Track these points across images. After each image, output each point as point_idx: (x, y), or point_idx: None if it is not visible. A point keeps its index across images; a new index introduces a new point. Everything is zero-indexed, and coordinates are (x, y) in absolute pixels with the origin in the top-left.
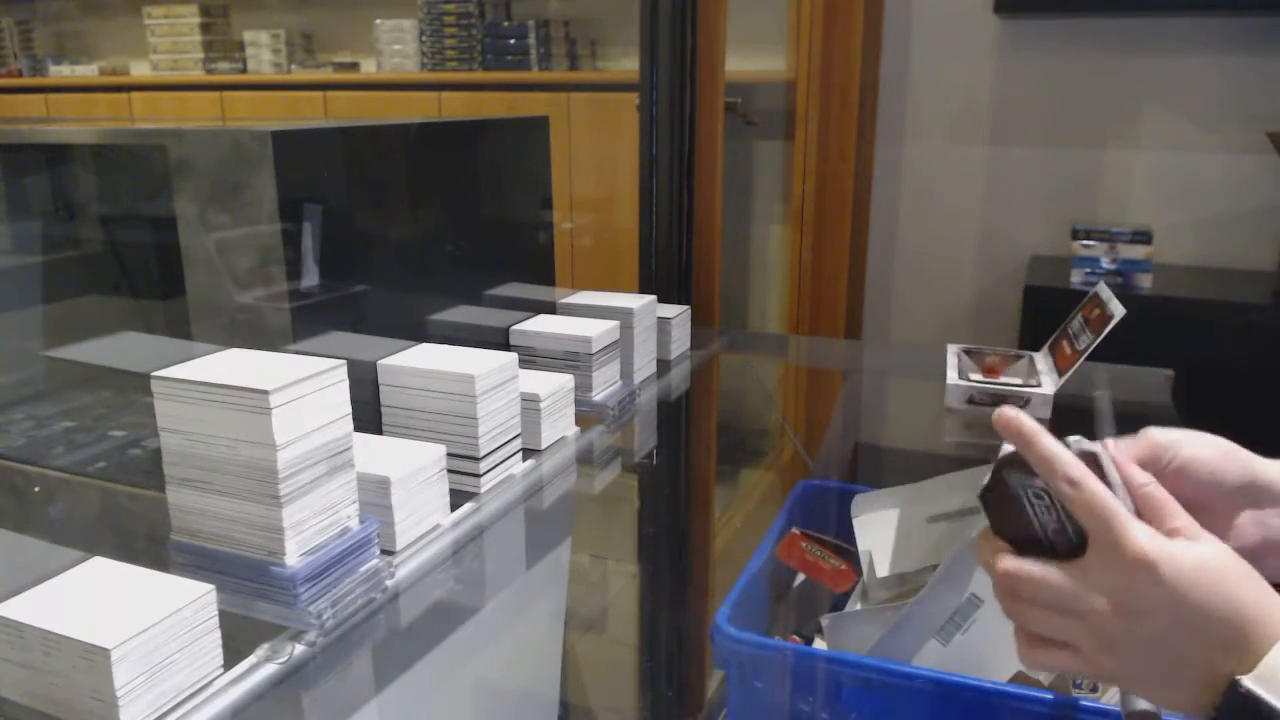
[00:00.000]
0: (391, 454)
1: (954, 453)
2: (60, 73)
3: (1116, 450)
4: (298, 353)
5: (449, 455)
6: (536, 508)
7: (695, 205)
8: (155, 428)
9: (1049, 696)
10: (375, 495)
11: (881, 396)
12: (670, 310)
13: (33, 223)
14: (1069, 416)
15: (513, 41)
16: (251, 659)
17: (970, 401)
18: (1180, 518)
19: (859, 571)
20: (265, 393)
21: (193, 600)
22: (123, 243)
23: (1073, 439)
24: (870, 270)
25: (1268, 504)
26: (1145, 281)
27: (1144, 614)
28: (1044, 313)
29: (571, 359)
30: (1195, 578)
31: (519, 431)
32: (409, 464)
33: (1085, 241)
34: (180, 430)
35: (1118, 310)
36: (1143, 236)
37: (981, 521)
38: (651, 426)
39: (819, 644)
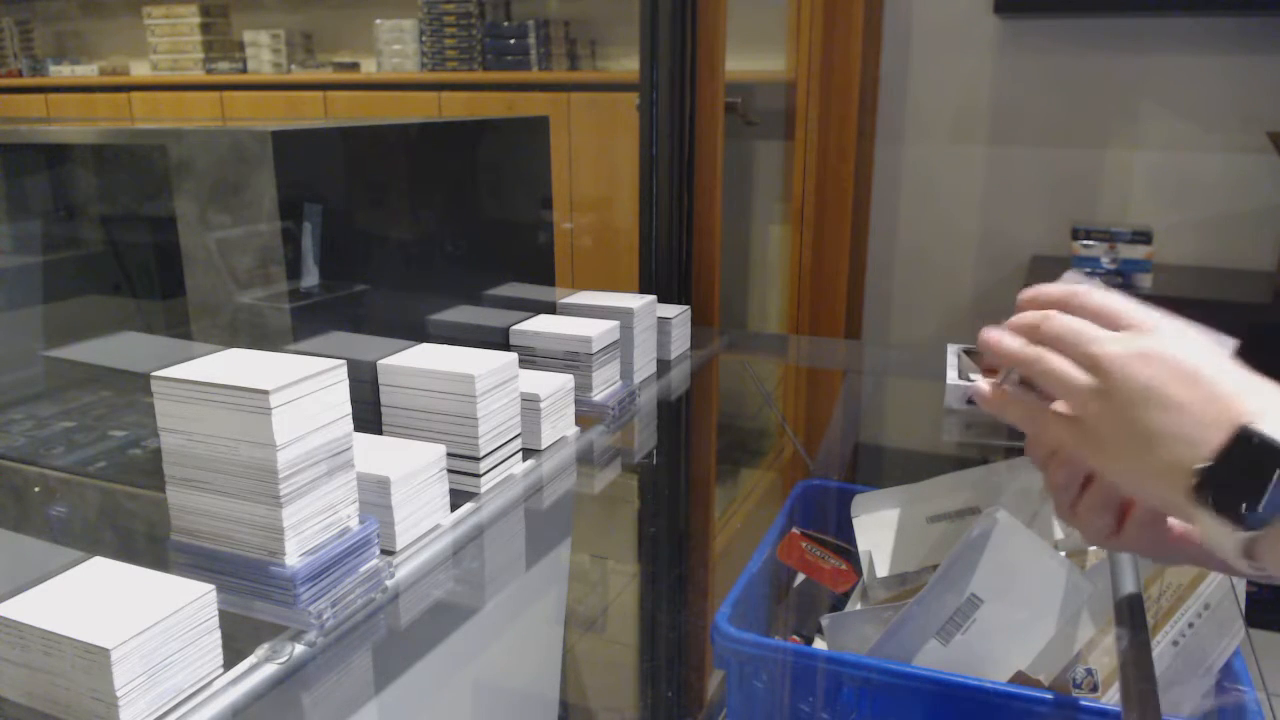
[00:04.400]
0: (391, 454)
1: (954, 453)
2: (60, 73)
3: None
4: (298, 353)
5: (449, 455)
6: (536, 508)
7: (695, 205)
8: (155, 428)
9: (1049, 696)
10: (375, 495)
11: (881, 396)
12: (670, 310)
13: (33, 223)
14: None
15: (513, 41)
16: (251, 659)
17: (970, 401)
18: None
19: (859, 571)
20: (265, 393)
21: (193, 600)
22: (123, 243)
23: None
24: (870, 270)
25: None
26: (1145, 281)
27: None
28: None
29: (571, 359)
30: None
31: (519, 431)
32: (409, 464)
33: (1085, 241)
34: (180, 430)
35: None
36: (1143, 236)
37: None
38: (651, 426)
39: (819, 644)
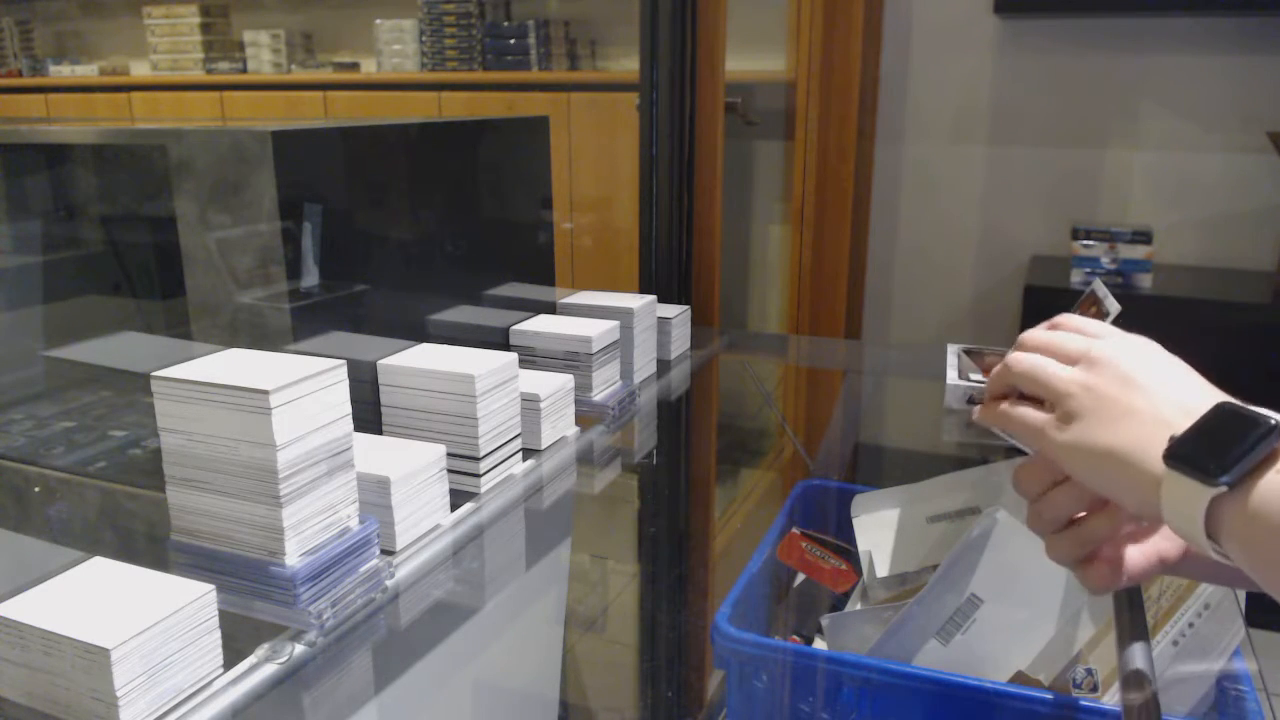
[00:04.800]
0: (391, 454)
1: (954, 453)
2: (60, 73)
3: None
4: (298, 353)
5: (449, 455)
6: (536, 508)
7: (695, 205)
8: (155, 428)
9: (1049, 696)
10: (375, 495)
11: (881, 396)
12: (670, 310)
13: (33, 223)
14: None
15: (513, 41)
16: (251, 659)
17: (970, 401)
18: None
19: (859, 571)
20: (265, 393)
21: (193, 600)
22: (123, 243)
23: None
24: (870, 270)
25: None
26: (1145, 281)
27: (1134, 360)
28: (1044, 313)
29: (571, 359)
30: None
31: (519, 431)
32: (409, 464)
33: (1085, 241)
34: (180, 430)
35: (1114, 307)
36: (1143, 236)
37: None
38: (651, 426)
39: (819, 644)
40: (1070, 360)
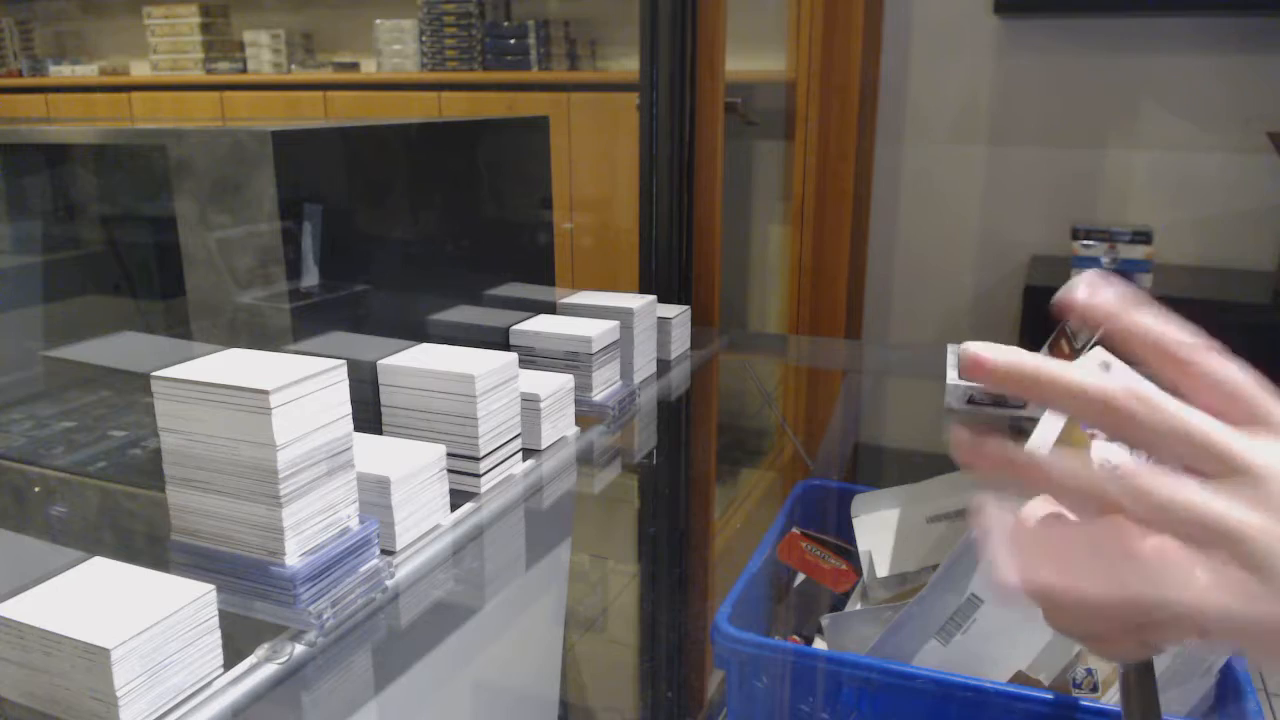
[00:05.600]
0: (391, 454)
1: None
2: (60, 73)
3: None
4: (298, 353)
5: (449, 455)
6: (536, 508)
7: (695, 205)
8: (155, 428)
9: (1049, 696)
10: (375, 495)
11: (881, 396)
12: (670, 310)
13: (33, 223)
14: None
15: (513, 41)
16: (251, 659)
17: (970, 401)
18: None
19: (859, 571)
20: (265, 393)
21: (193, 600)
22: (123, 243)
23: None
24: (870, 270)
25: None
26: (1145, 281)
27: None
28: (1044, 313)
29: (571, 359)
30: None
31: (519, 431)
32: (409, 464)
33: (1085, 241)
34: (180, 430)
35: None
36: (1143, 236)
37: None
38: (651, 426)
39: (819, 644)
40: (1200, 468)
